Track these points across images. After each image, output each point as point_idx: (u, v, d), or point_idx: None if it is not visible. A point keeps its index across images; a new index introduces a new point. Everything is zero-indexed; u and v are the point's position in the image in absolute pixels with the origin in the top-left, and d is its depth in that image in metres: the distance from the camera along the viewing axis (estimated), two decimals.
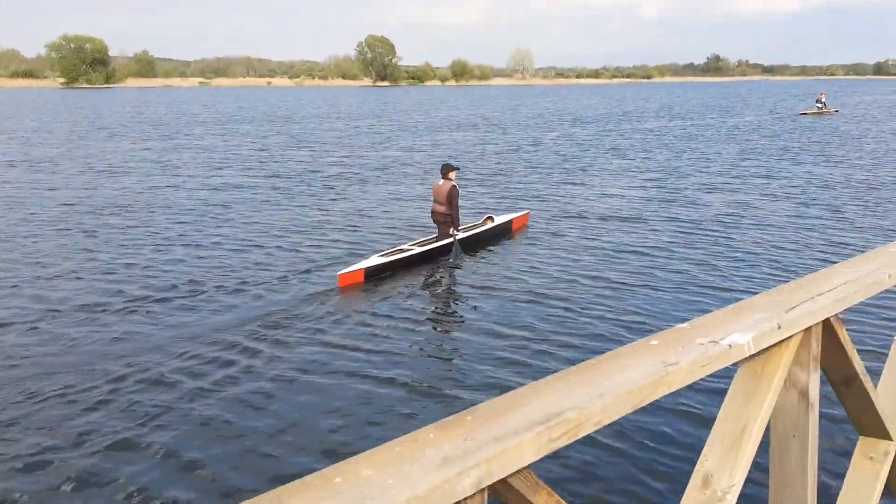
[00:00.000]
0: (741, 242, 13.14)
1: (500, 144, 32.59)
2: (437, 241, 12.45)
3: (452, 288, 11.24)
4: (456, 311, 10.16)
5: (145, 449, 6.03)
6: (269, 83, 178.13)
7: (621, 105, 74.42)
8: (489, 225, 13.78)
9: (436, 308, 10.37)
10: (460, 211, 12.78)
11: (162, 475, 5.65)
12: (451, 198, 12.22)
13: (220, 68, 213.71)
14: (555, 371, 1.66)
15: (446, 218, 12.32)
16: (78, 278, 11.11)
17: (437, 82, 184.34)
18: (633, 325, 8.85)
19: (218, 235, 14.12)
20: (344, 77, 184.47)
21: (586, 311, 9.43)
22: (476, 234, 13.28)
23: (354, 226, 15.13)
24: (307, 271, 11.59)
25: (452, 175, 12.39)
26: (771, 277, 10.80)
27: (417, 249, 12.23)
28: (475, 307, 9.93)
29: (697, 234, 13.92)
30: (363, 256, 12.07)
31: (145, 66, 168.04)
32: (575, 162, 25.81)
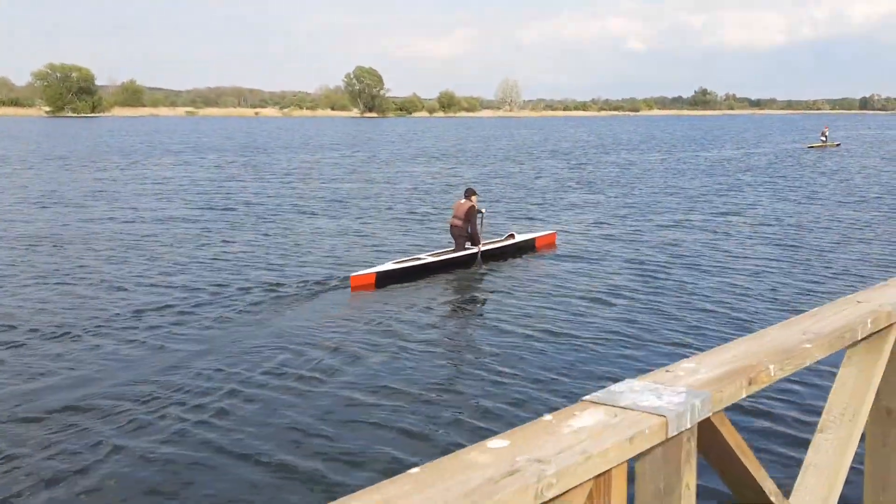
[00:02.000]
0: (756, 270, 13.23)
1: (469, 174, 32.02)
2: (451, 253, 13.50)
3: (463, 298, 11.95)
4: (462, 323, 10.60)
5: (151, 462, 6.12)
6: (256, 113, 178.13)
7: (605, 137, 74.23)
8: (510, 241, 14.74)
9: (443, 317, 10.69)
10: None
11: (163, 483, 5.77)
12: (469, 215, 13.61)
13: (210, 98, 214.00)
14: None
15: (462, 232, 13.64)
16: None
17: (424, 113, 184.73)
18: (638, 356, 8.76)
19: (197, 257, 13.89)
20: (333, 108, 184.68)
21: (594, 333, 9.56)
22: (496, 248, 14.30)
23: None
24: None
25: (474, 198, 13.86)
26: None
27: (431, 259, 13.10)
28: (483, 320, 10.48)
29: (719, 264, 13.87)
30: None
31: (132, 95, 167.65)
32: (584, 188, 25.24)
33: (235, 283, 12.17)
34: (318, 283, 12.20)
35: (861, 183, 28.80)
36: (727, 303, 11.12)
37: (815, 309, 2.40)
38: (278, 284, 12.06)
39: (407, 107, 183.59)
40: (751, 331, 9.61)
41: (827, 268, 13.63)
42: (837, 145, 54.94)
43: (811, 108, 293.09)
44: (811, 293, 11.69)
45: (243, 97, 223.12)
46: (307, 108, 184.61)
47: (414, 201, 23.75)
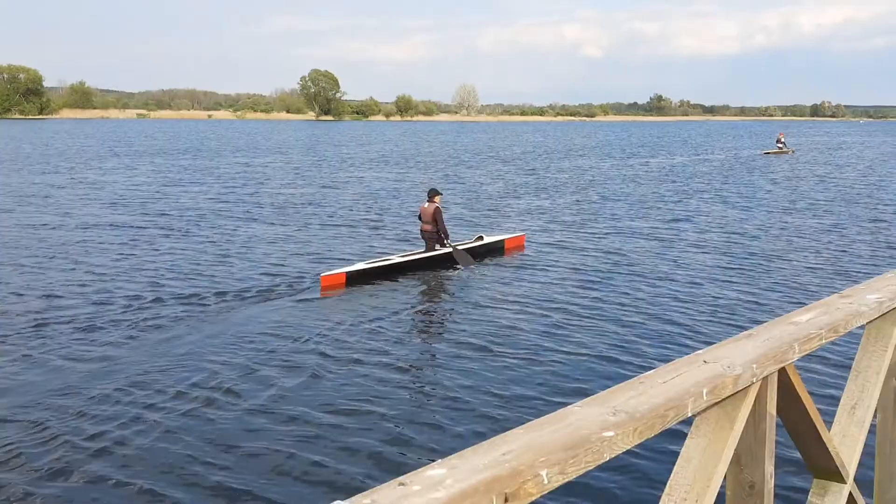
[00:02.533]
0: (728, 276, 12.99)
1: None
2: (421, 254, 13.76)
3: (431, 299, 12.05)
4: (430, 321, 10.76)
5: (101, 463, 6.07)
6: (209, 116, 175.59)
7: (561, 141, 74.23)
8: (478, 242, 14.88)
9: (412, 316, 10.78)
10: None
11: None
12: (437, 217, 13.77)
13: (163, 101, 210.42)
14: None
15: (432, 235, 13.89)
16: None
17: (381, 117, 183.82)
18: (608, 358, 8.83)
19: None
20: (288, 111, 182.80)
21: (556, 334, 9.69)
22: (465, 249, 14.27)
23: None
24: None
25: (437, 199, 13.98)
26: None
27: (401, 259, 13.36)
28: (450, 317, 10.70)
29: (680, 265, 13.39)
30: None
31: (82, 96, 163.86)
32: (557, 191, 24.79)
33: (169, 291, 11.79)
34: (267, 288, 11.99)
35: (813, 189, 28.78)
36: (668, 316, 10.70)
37: (649, 373, 1.90)
38: (218, 293, 11.67)
39: (363, 110, 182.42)
40: (686, 347, 9.05)
41: (777, 279, 13.26)
42: (793, 152, 55.26)
43: (763, 115, 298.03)
44: (757, 305, 11.35)
45: (197, 99, 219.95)
46: (261, 111, 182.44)
47: (359, 207, 23.13)
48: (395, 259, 13.35)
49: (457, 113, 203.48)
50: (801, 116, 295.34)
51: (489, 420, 6.97)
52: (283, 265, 14.09)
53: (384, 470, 5.88)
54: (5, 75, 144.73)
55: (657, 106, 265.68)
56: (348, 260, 14.11)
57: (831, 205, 23.89)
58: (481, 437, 5.33)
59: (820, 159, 49.03)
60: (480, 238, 15.14)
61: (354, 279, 12.18)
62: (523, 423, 1.52)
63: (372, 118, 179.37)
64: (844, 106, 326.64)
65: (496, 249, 15.08)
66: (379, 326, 9.98)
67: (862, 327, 2.74)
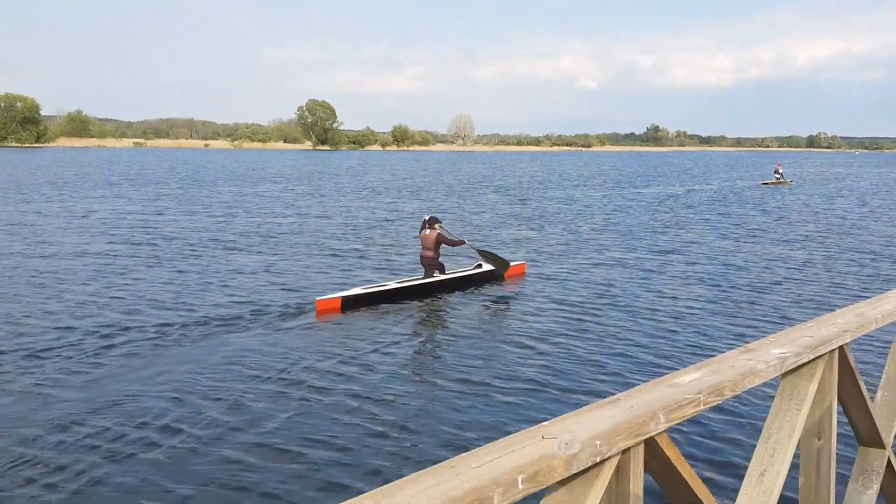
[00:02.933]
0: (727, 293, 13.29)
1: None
2: (418, 280, 13.89)
3: (426, 324, 11.99)
4: (423, 349, 10.62)
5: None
6: (206, 145, 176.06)
7: (554, 172, 74.02)
8: (477, 270, 15.06)
9: (405, 342, 10.74)
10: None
11: None
12: (439, 243, 14.09)
13: (161, 129, 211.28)
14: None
15: (432, 262, 14.15)
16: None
17: (378, 147, 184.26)
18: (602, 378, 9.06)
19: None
20: (285, 140, 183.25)
21: (554, 359, 9.83)
22: (466, 275, 14.70)
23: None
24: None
25: (437, 226, 14.18)
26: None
27: (397, 286, 13.39)
28: (445, 344, 10.70)
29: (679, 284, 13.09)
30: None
31: (79, 125, 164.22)
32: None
33: (164, 316, 11.80)
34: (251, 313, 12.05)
35: (807, 220, 28.41)
36: (651, 346, 10.26)
37: (465, 454, 1.57)
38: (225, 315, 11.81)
39: (360, 140, 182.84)
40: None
41: (761, 312, 12.80)
42: (791, 182, 55.27)
43: (759, 146, 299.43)
44: (739, 339, 10.85)
45: (195, 129, 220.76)
46: (258, 141, 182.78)
47: (347, 235, 22.69)
48: (392, 285, 13.42)
49: (453, 143, 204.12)
50: (797, 147, 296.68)
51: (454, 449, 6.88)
52: (277, 291, 13.99)
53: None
54: (2, 104, 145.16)
55: (654, 136, 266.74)
56: (345, 285, 14.12)
57: (824, 236, 23.50)
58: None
59: (817, 191, 48.73)
60: (479, 266, 15.25)
61: (350, 303, 12.30)
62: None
63: (368, 148, 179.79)
64: (840, 137, 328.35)
65: (495, 277, 15.20)
66: (373, 351, 10.06)
67: (773, 383, 2.50)
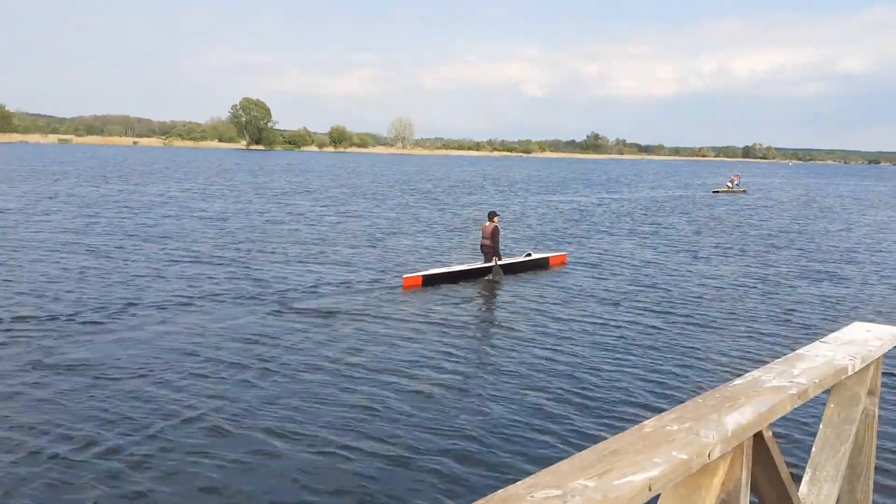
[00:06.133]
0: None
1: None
2: (481, 264, 16.17)
3: (489, 301, 14.10)
4: (489, 320, 12.46)
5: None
6: (135, 143, 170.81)
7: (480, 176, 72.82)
8: (526, 258, 17.34)
9: (473, 315, 12.69)
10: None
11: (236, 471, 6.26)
12: (494, 234, 16.07)
13: (95, 126, 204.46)
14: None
15: (490, 249, 16.15)
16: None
17: (314, 148, 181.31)
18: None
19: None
20: (220, 139, 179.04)
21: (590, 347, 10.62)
22: (514, 263, 16.90)
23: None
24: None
25: (496, 219, 16.24)
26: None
27: (465, 267, 15.92)
28: (504, 321, 12.16)
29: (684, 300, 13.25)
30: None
31: (1, 120, 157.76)
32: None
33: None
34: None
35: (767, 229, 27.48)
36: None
37: None
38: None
39: (296, 140, 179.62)
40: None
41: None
42: (743, 191, 56.17)
43: (697, 155, 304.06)
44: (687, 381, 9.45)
45: (130, 126, 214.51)
46: (192, 139, 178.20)
47: (201, 242, 20.76)
48: (460, 267, 15.96)
49: (392, 146, 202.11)
50: (732, 157, 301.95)
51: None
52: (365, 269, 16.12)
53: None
54: None
55: (594, 144, 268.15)
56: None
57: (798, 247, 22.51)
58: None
59: (773, 197, 48.55)
60: (529, 255, 17.62)
61: (429, 281, 14.82)
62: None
63: (305, 149, 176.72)
64: (775, 148, 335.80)
65: (542, 265, 17.61)
66: (445, 321, 11.95)
67: None
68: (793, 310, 13.42)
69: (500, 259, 16.15)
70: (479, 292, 14.60)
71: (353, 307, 12.55)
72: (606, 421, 7.55)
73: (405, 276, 14.67)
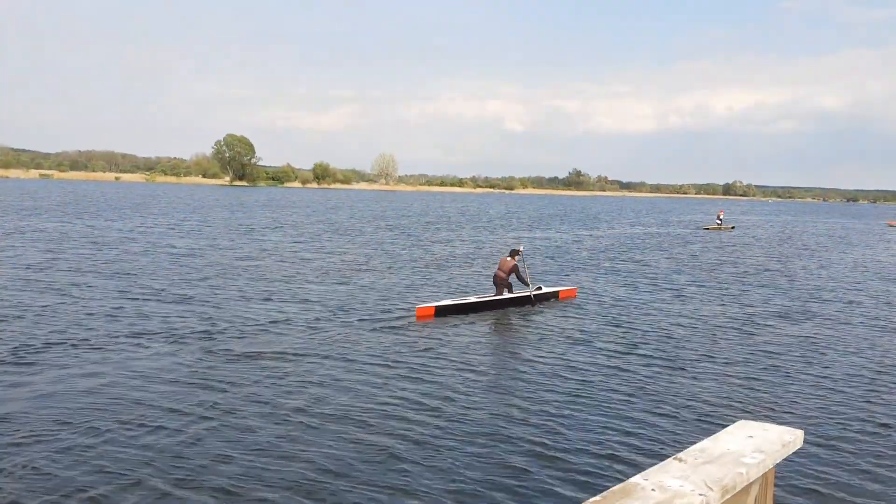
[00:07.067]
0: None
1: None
2: (493, 297, 16.57)
3: (502, 333, 14.29)
4: (499, 353, 12.57)
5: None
6: (117, 178, 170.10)
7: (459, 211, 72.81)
8: (538, 291, 17.60)
9: (486, 346, 12.93)
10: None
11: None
12: (512, 270, 16.67)
13: (79, 162, 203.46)
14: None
15: (503, 282, 16.68)
16: None
17: (297, 184, 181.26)
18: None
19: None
20: (204, 175, 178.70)
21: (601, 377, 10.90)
22: (524, 296, 17.09)
23: None
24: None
25: (516, 257, 16.86)
26: None
27: (478, 299, 16.30)
28: (516, 352, 12.55)
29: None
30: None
31: None
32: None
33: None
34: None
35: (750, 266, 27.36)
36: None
37: None
38: None
39: (279, 176, 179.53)
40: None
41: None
42: (732, 228, 56.45)
43: (678, 192, 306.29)
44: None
45: (115, 162, 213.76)
46: (174, 175, 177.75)
47: (172, 278, 20.38)
48: (473, 298, 16.37)
49: (375, 182, 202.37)
50: (713, 195, 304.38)
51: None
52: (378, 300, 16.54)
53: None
54: None
55: (576, 181, 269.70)
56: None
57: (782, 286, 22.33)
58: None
59: (761, 235, 48.74)
60: (539, 288, 17.89)
61: (442, 312, 15.21)
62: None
63: (288, 185, 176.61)
64: (755, 186, 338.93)
65: (551, 297, 18.02)
66: (455, 352, 12.22)
67: None
68: (774, 352, 13.21)
69: (529, 286, 17.03)
70: (491, 325, 14.85)
71: (354, 339, 12.73)
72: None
73: (418, 306, 15.19)
